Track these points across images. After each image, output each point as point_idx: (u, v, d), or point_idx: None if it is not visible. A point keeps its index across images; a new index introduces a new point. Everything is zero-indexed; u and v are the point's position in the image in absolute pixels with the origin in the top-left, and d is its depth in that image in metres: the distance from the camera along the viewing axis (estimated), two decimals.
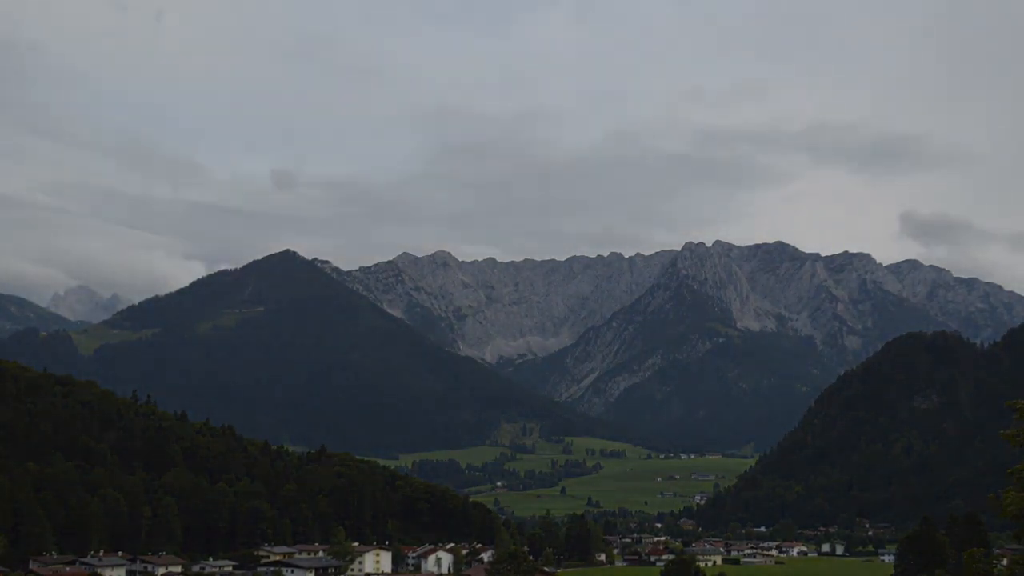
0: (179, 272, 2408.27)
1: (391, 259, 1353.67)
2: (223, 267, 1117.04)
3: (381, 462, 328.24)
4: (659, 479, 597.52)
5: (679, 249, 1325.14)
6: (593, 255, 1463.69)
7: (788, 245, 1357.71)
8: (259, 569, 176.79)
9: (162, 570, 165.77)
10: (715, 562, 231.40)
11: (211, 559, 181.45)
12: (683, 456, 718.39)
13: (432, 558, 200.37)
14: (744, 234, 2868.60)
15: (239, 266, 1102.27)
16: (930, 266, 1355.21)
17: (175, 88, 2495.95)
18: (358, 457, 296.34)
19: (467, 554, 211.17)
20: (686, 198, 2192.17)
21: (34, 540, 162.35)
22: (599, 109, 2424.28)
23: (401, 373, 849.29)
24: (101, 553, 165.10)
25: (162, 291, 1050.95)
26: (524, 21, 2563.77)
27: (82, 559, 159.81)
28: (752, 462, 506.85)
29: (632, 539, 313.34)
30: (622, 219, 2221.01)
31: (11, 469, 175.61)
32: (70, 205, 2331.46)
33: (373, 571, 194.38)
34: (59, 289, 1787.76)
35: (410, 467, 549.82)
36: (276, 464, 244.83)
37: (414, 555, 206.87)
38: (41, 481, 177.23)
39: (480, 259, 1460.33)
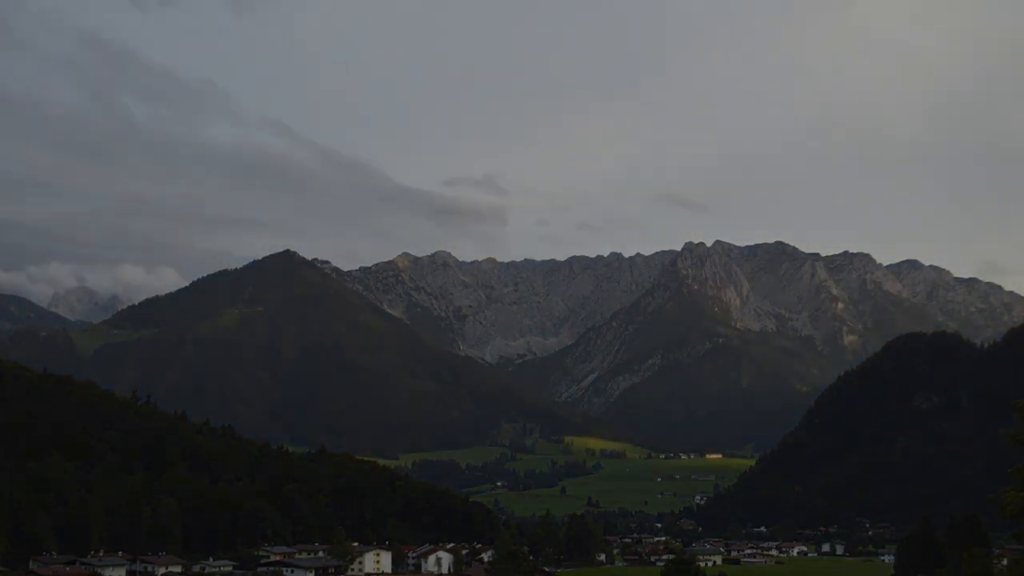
0: (179, 273, 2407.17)
1: (391, 259, 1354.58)
2: (223, 267, 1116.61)
3: (381, 462, 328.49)
4: (659, 479, 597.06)
5: (679, 249, 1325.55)
6: (593, 255, 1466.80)
7: (788, 245, 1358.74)
8: (259, 569, 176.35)
9: (162, 570, 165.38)
10: (715, 562, 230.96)
11: (211, 559, 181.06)
12: (683, 456, 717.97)
13: (432, 558, 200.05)
14: (744, 234, 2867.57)
15: (239, 266, 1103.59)
16: (930, 266, 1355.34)
17: None
18: (358, 457, 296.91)
19: (467, 554, 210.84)
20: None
21: (34, 540, 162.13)
22: None
23: (401, 373, 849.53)
24: (101, 553, 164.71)
25: (162, 291, 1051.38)
26: None
27: (82, 559, 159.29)
28: (752, 462, 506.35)
29: (632, 539, 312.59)
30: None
31: (11, 469, 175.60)
32: None
33: (373, 571, 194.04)
34: (59, 289, 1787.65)
35: (410, 467, 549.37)
36: (276, 464, 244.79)
37: (414, 555, 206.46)
38: (41, 481, 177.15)
39: (480, 259, 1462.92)
